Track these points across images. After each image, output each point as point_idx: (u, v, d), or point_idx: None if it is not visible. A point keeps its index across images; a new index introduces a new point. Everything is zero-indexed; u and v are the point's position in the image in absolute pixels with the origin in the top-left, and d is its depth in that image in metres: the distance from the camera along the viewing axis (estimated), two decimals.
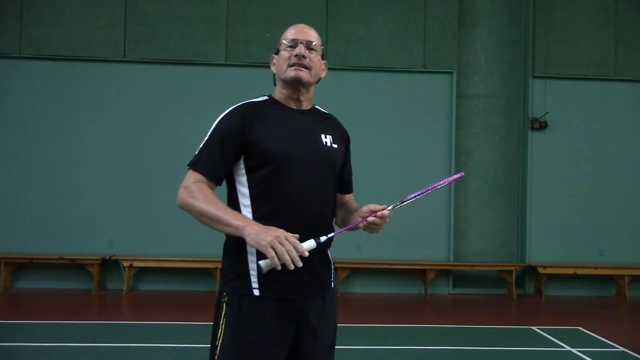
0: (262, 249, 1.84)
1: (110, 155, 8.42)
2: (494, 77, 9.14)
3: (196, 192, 2.01)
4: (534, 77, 8.88)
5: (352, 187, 2.41)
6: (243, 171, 2.09)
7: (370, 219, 2.07)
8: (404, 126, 8.64)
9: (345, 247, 8.11)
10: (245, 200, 2.08)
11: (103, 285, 8.36)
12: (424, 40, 8.71)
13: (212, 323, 2.14)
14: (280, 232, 1.85)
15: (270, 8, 8.58)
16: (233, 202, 2.13)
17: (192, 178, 2.07)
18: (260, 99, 2.21)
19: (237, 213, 2.01)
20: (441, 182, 2.16)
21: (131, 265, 8.08)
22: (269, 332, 2.02)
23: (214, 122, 2.13)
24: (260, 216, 2.02)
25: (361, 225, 2.08)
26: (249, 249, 2.04)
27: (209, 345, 2.12)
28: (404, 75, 8.74)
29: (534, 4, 8.91)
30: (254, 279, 2.05)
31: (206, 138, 2.11)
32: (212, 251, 7.95)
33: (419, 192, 2.10)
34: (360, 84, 8.69)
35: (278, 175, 2.04)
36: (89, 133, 8.42)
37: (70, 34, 8.40)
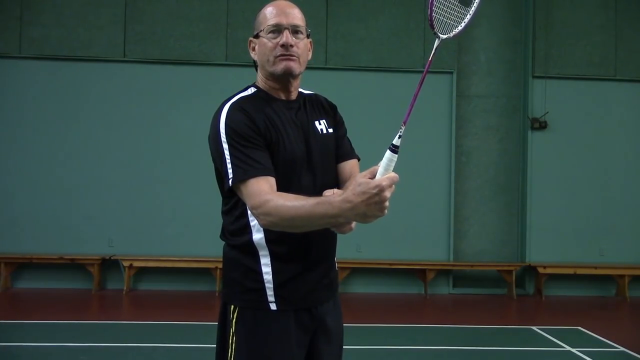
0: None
1: (110, 155, 8.41)
2: (494, 77, 9.13)
3: (272, 207, 1.75)
4: (534, 77, 8.87)
5: (353, 155, 2.15)
6: None
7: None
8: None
9: (345, 247, 8.09)
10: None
11: (103, 285, 8.36)
12: (424, 40, 8.71)
13: (211, 323, 2.08)
14: (364, 198, 1.62)
15: None
16: (234, 216, 1.96)
17: (256, 190, 1.79)
18: (249, 92, 2.01)
19: (320, 201, 1.72)
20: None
21: (131, 265, 8.07)
22: (286, 347, 1.91)
23: (218, 127, 1.89)
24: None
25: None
26: (262, 259, 1.92)
27: (211, 347, 2.07)
28: (404, 75, 8.73)
29: (534, 4, 8.90)
30: (270, 292, 1.91)
31: (226, 147, 1.85)
32: (212, 251, 7.95)
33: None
34: (360, 84, 8.68)
35: (286, 179, 1.89)
36: (89, 133, 8.41)
37: (70, 34, 8.40)
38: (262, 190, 1.78)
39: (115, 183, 8.38)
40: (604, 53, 8.94)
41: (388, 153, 1.70)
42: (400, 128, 1.74)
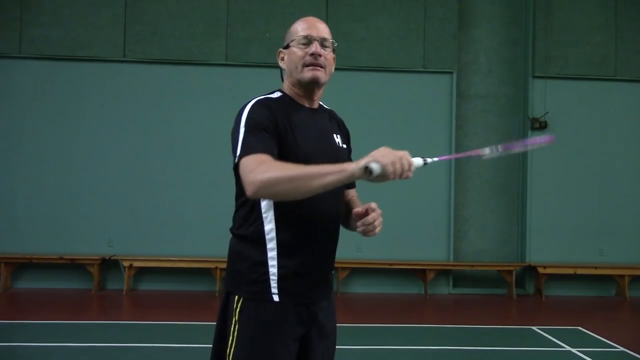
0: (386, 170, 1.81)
1: (110, 155, 8.42)
2: (494, 77, 9.13)
3: (270, 167, 1.80)
4: (534, 77, 8.88)
5: (354, 183, 2.26)
6: None
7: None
8: (404, 126, 8.64)
9: (345, 247, 8.08)
10: (266, 205, 1.99)
11: (103, 285, 8.36)
12: (424, 40, 8.71)
13: (211, 323, 2.10)
14: (397, 156, 1.81)
15: (270, 8, 8.58)
16: (247, 208, 2.03)
17: (253, 161, 1.83)
18: (275, 95, 2.10)
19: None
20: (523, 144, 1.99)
21: (131, 265, 8.07)
22: (284, 338, 1.99)
23: (241, 117, 1.97)
24: (281, 220, 1.97)
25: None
26: (269, 252, 1.99)
27: (211, 347, 2.09)
28: (404, 75, 8.73)
29: (534, 4, 8.90)
30: (274, 284, 1.99)
31: (243, 130, 1.92)
32: (212, 251, 7.96)
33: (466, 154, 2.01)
34: (360, 84, 8.68)
35: None
36: (89, 133, 8.42)
37: (70, 34, 8.40)
38: (252, 163, 1.84)
39: (115, 183, 8.38)
40: (604, 53, 8.94)
41: (419, 159, 1.88)
42: (434, 159, 1.92)
